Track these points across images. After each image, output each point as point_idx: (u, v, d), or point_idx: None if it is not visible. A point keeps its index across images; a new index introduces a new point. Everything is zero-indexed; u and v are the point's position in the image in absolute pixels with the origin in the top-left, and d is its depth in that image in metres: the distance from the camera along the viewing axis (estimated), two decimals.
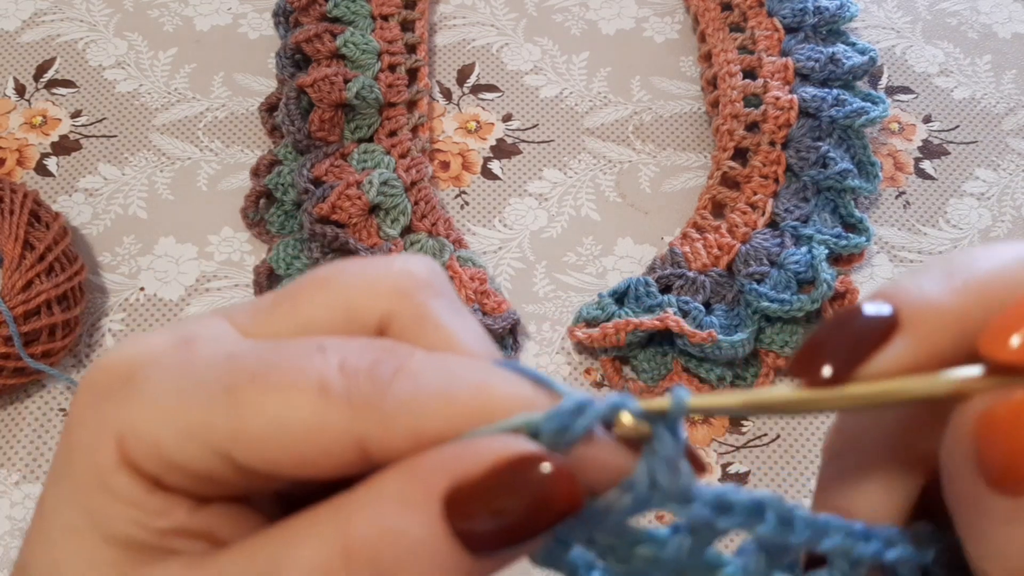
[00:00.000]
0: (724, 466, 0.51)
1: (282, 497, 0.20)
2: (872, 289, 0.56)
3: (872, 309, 0.18)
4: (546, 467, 0.16)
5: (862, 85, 0.61)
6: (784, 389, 0.18)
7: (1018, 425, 0.16)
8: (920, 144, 0.62)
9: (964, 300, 0.17)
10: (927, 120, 0.63)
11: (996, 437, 0.16)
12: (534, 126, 0.61)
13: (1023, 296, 0.17)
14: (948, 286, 0.17)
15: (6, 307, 0.48)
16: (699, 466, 0.18)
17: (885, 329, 0.17)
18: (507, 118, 0.62)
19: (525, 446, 0.16)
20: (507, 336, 0.53)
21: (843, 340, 0.18)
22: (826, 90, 0.59)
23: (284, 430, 0.17)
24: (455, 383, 0.17)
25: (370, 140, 0.58)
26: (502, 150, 0.60)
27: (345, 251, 0.54)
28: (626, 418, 0.17)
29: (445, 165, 0.60)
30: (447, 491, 0.16)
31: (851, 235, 0.56)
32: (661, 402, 0.17)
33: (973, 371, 0.17)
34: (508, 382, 0.17)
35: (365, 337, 0.18)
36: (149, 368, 0.18)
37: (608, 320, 0.52)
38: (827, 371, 0.17)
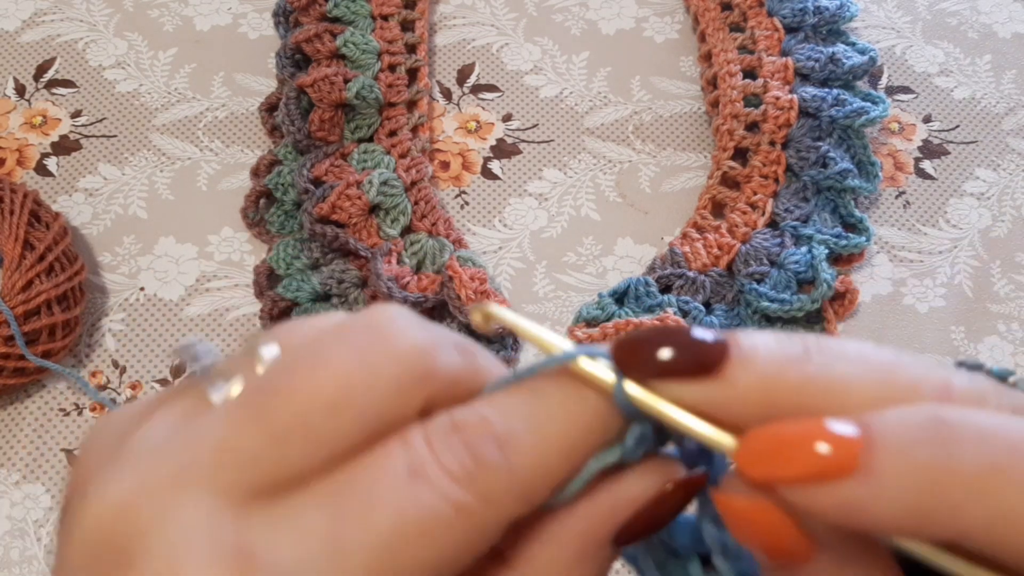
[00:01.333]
0: None
1: None
2: (873, 289, 0.56)
3: (704, 335, 0.18)
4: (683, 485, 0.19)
5: (862, 85, 0.61)
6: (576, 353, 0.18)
7: (756, 523, 0.17)
8: (920, 144, 0.62)
9: (789, 383, 0.17)
10: (927, 120, 0.63)
11: (742, 527, 0.18)
12: (534, 126, 0.61)
13: (789, 424, 0.17)
14: (786, 356, 0.17)
15: (7, 307, 0.48)
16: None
17: (712, 360, 0.18)
18: (507, 118, 0.62)
19: (662, 470, 0.19)
20: (507, 336, 0.53)
21: (671, 344, 0.18)
22: (826, 90, 0.59)
23: (446, 562, 0.17)
24: (542, 419, 0.18)
25: (370, 140, 0.58)
26: (502, 150, 0.60)
27: (345, 251, 0.54)
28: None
29: (445, 165, 0.60)
30: (614, 536, 0.19)
31: (851, 235, 0.56)
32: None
33: (729, 443, 0.17)
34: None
35: (422, 431, 0.18)
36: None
37: (608, 320, 0.52)
38: (666, 353, 0.18)
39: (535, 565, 0.18)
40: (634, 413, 0.18)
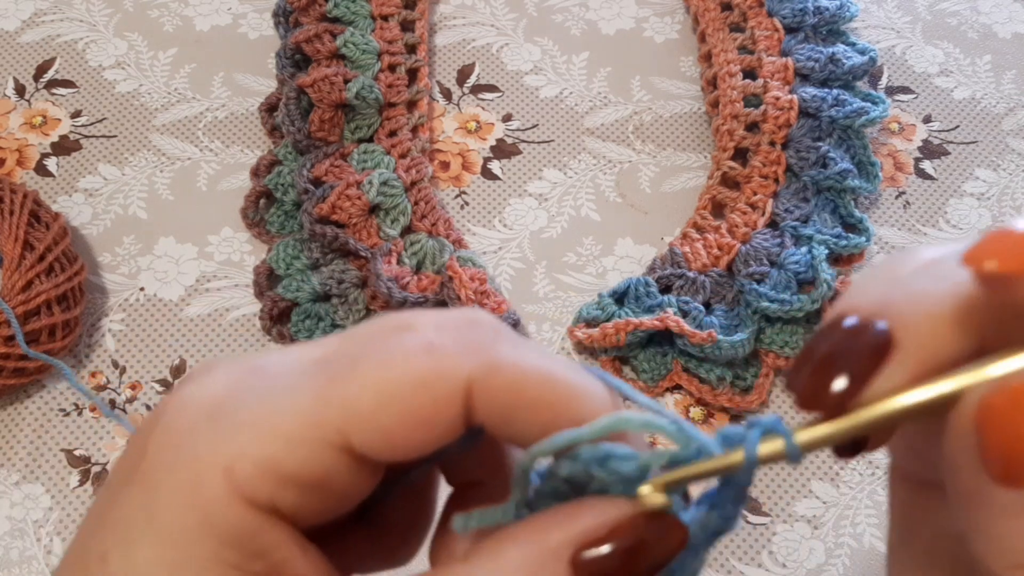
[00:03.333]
0: None
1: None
2: None
3: (855, 325, 0.17)
4: (663, 523, 0.18)
5: (862, 85, 0.61)
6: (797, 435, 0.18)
7: (1016, 413, 0.16)
8: (920, 144, 0.62)
9: (954, 299, 0.17)
10: (927, 120, 0.63)
11: (996, 427, 0.16)
12: (534, 126, 0.61)
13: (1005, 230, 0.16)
14: (936, 287, 0.17)
15: (7, 306, 0.48)
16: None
17: (881, 348, 0.17)
18: (507, 118, 0.62)
19: (635, 506, 0.18)
20: None
21: (844, 364, 0.17)
22: (826, 90, 0.59)
23: (397, 391, 0.17)
24: (552, 359, 0.18)
25: (370, 140, 0.58)
26: (502, 150, 0.60)
27: (345, 251, 0.54)
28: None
29: (445, 165, 0.60)
30: (572, 556, 0.17)
31: (851, 235, 0.56)
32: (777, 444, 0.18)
33: (969, 373, 0.17)
34: (595, 384, 0.19)
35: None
36: (235, 397, 0.17)
37: (608, 320, 0.52)
38: (840, 384, 0.17)
39: (485, 559, 0.18)
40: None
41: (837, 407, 0.17)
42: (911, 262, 0.18)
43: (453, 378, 0.17)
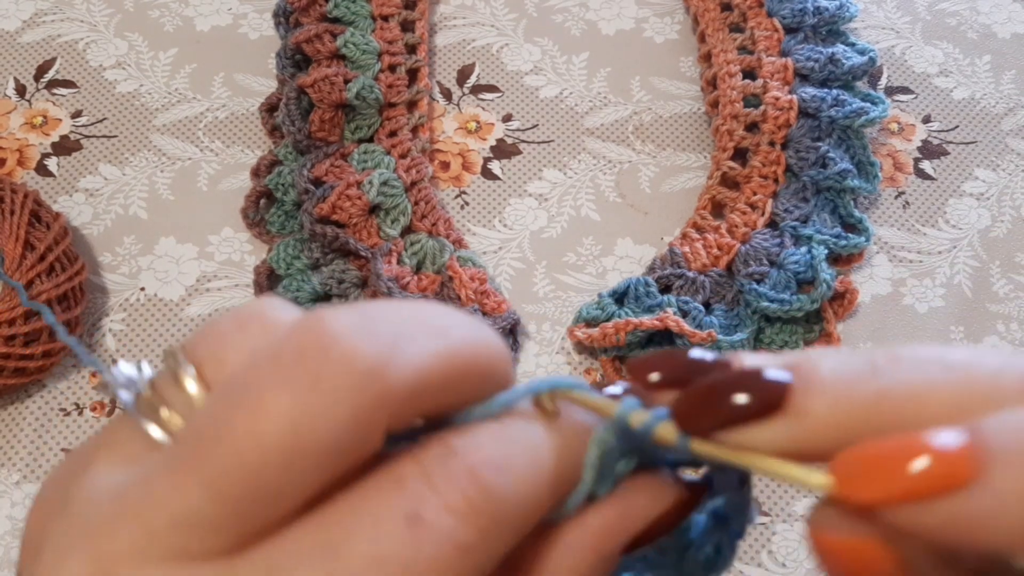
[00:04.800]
0: None
1: None
2: (872, 289, 0.56)
3: (761, 372, 0.17)
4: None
5: (862, 85, 0.61)
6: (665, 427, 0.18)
7: (854, 561, 0.16)
8: (920, 144, 0.62)
9: (864, 411, 0.16)
10: (927, 120, 0.63)
11: (837, 566, 0.16)
12: (534, 126, 0.62)
13: (887, 439, 0.15)
14: (857, 378, 0.16)
15: (10, 277, 0.48)
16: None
17: (769, 403, 0.16)
18: (507, 118, 0.62)
19: (675, 490, 0.19)
20: (507, 336, 0.53)
21: (724, 391, 0.17)
22: (826, 90, 0.59)
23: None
24: (525, 448, 0.18)
25: (370, 140, 0.58)
26: (502, 150, 0.60)
27: (345, 251, 0.54)
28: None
29: (445, 165, 0.60)
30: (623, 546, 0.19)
31: (851, 235, 0.56)
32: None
33: (822, 480, 0.16)
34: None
35: (420, 469, 0.17)
36: None
37: (608, 320, 0.52)
38: (655, 377, 0.18)
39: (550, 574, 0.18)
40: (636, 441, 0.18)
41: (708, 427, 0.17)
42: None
43: (498, 557, 0.17)
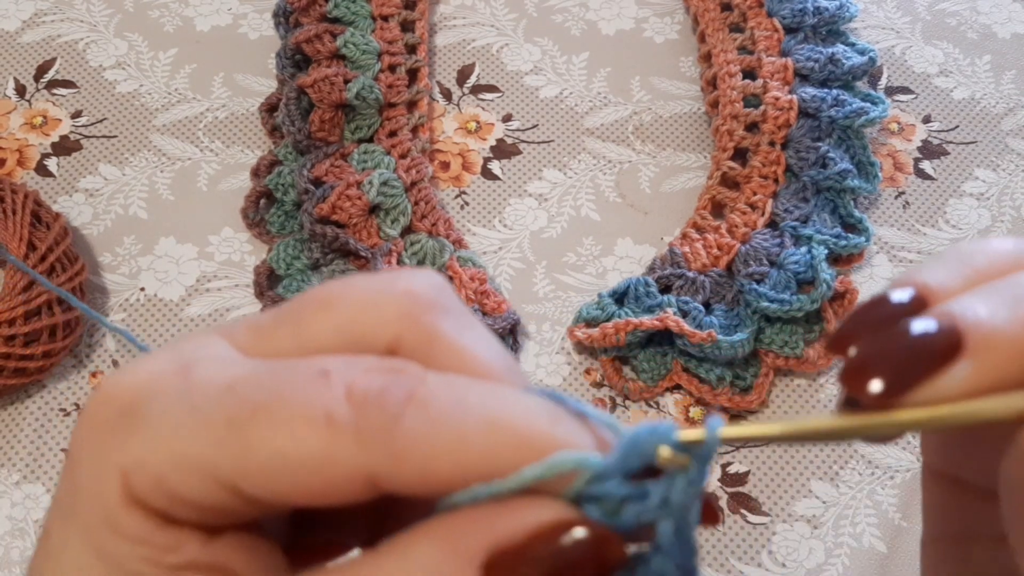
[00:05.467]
0: (724, 466, 0.51)
1: (293, 515, 0.20)
2: (872, 289, 0.56)
3: (927, 325, 0.17)
4: (581, 532, 0.16)
5: (862, 85, 0.61)
6: (825, 418, 0.17)
7: None
8: (920, 144, 0.62)
9: None
10: (927, 120, 0.63)
11: None
12: (534, 126, 0.62)
13: None
14: (1014, 315, 0.17)
15: (15, 257, 0.48)
16: (711, 516, 0.18)
17: (948, 350, 0.17)
18: (507, 118, 0.62)
19: (560, 512, 0.16)
20: (507, 336, 0.53)
21: (895, 353, 0.17)
22: (826, 90, 0.59)
23: (290, 464, 0.16)
24: (468, 414, 0.16)
25: (370, 140, 0.58)
26: (502, 150, 0.60)
27: (345, 251, 0.54)
28: (665, 452, 0.16)
29: (445, 165, 0.60)
30: (485, 561, 0.16)
31: (851, 235, 0.56)
32: (698, 433, 0.16)
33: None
34: (524, 412, 0.16)
35: (373, 356, 0.17)
36: (150, 399, 0.17)
37: (608, 320, 0.52)
38: (877, 386, 0.17)
39: (394, 556, 0.17)
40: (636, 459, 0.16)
41: (877, 405, 0.17)
42: (991, 254, 0.18)
43: (350, 466, 0.16)
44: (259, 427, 0.16)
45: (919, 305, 0.18)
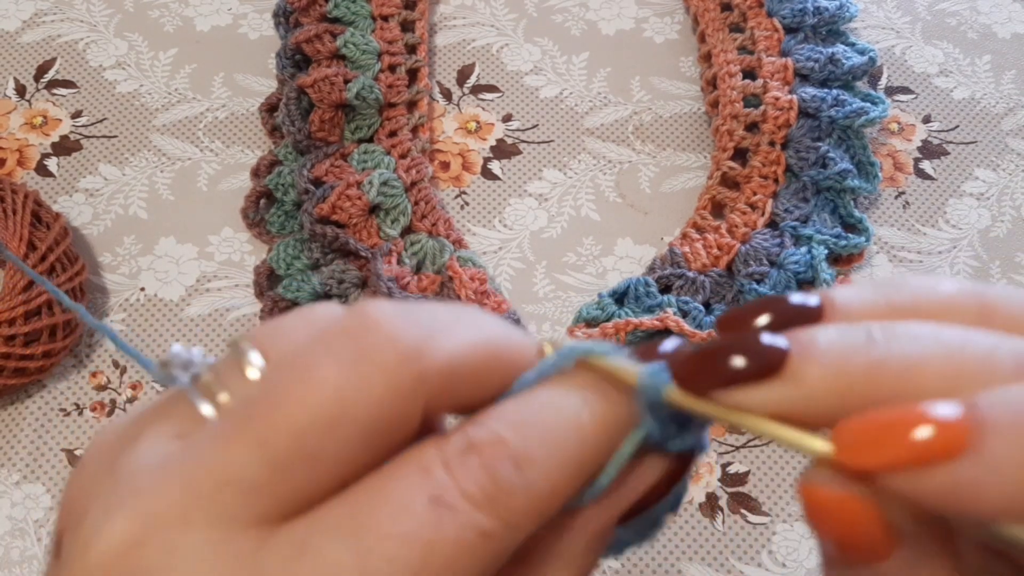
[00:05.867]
0: (724, 466, 0.51)
1: None
2: None
3: (772, 338, 0.17)
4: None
5: (862, 85, 0.61)
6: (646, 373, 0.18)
7: (841, 515, 0.17)
8: (920, 144, 0.62)
9: (855, 382, 0.17)
10: (927, 120, 0.63)
11: (824, 520, 0.17)
12: (534, 126, 0.62)
13: (891, 409, 0.16)
14: (848, 357, 0.17)
15: (12, 254, 0.48)
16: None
17: (769, 367, 0.17)
18: (507, 118, 0.62)
19: (661, 464, 0.19)
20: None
21: (733, 352, 0.17)
22: (826, 90, 0.59)
23: None
24: (555, 430, 0.18)
25: (370, 140, 0.58)
26: (502, 150, 0.60)
27: (345, 251, 0.54)
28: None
29: (445, 165, 0.60)
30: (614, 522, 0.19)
31: (851, 235, 0.56)
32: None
33: (822, 446, 0.17)
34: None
35: (440, 455, 0.17)
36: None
37: (608, 320, 0.52)
38: (703, 375, 0.18)
39: (546, 557, 0.19)
40: (657, 408, 0.18)
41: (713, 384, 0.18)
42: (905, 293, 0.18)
43: (519, 539, 0.17)
44: None
45: (815, 316, 0.18)
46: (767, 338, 0.17)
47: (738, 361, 0.17)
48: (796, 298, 0.18)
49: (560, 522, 0.19)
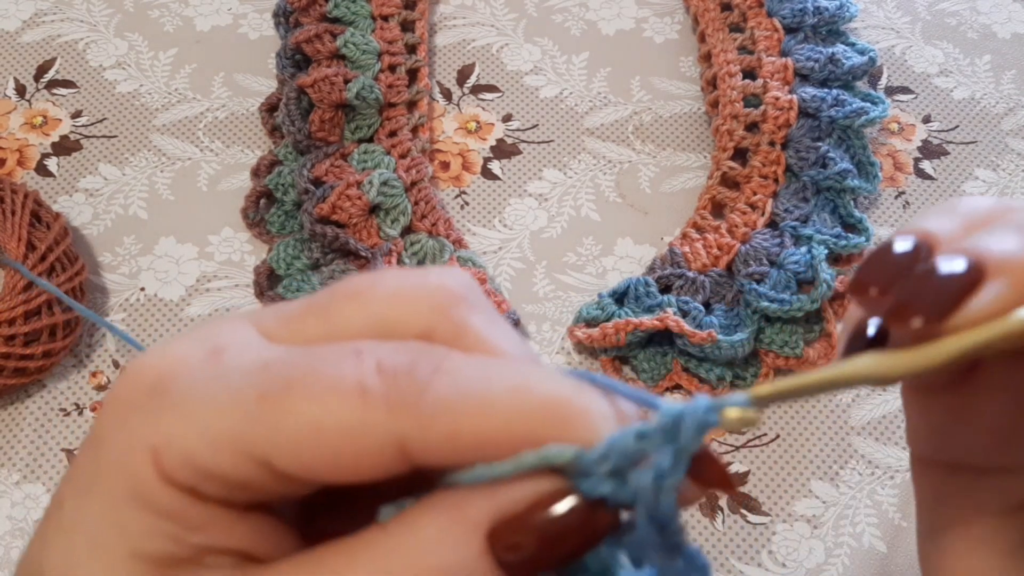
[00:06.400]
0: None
1: (305, 500, 0.20)
2: None
3: (949, 262, 0.18)
4: (570, 502, 0.17)
5: (862, 85, 0.61)
6: (867, 360, 0.17)
7: None
8: (920, 144, 0.62)
9: None
10: (927, 120, 0.63)
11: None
12: (534, 126, 0.62)
13: None
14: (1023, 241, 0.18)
15: (14, 260, 0.48)
16: (719, 477, 0.18)
17: (972, 277, 0.18)
18: (507, 118, 0.62)
19: (555, 484, 0.17)
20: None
21: (927, 291, 0.18)
22: (826, 90, 0.59)
23: (323, 434, 0.16)
24: (493, 382, 0.17)
25: (370, 140, 0.58)
26: (502, 150, 0.60)
27: (345, 251, 0.54)
28: (733, 412, 0.17)
29: (445, 165, 0.60)
30: (488, 530, 0.17)
31: (851, 235, 0.56)
32: (737, 407, 0.17)
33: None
34: (547, 380, 0.17)
35: (400, 340, 0.18)
36: (180, 378, 0.17)
37: (608, 320, 0.52)
38: (918, 322, 0.18)
39: (403, 527, 0.17)
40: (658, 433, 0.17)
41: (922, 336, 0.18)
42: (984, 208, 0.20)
43: (381, 434, 0.17)
44: (292, 400, 0.17)
45: (926, 250, 0.19)
46: (951, 260, 0.18)
47: (950, 279, 0.18)
48: (901, 245, 0.19)
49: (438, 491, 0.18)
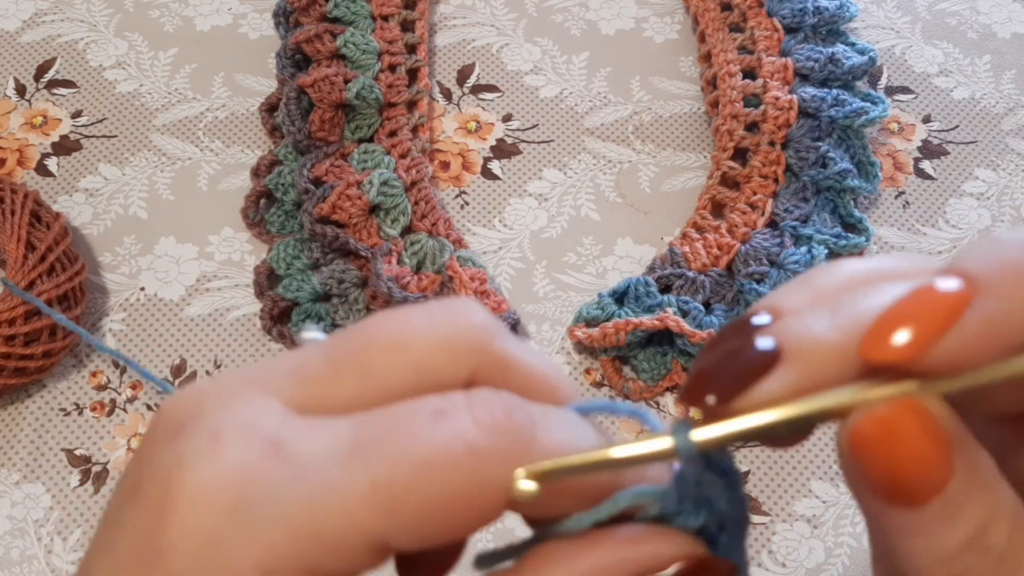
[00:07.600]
0: None
1: None
2: None
3: (756, 342, 0.18)
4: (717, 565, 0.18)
5: (862, 85, 0.61)
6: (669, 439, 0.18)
7: (888, 439, 0.17)
8: (920, 144, 0.62)
9: (846, 336, 0.18)
10: (927, 120, 0.63)
11: (871, 453, 0.17)
12: (534, 126, 0.62)
13: (894, 302, 0.17)
14: (832, 324, 0.18)
15: (12, 283, 0.48)
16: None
17: (767, 361, 0.18)
18: (507, 118, 0.62)
19: (687, 546, 0.18)
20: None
21: (723, 368, 0.18)
22: (826, 90, 0.59)
23: (446, 503, 0.17)
24: (579, 432, 0.18)
25: (370, 140, 0.58)
26: (502, 150, 0.60)
27: (345, 251, 0.54)
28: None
29: (445, 165, 0.60)
30: None
31: (851, 235, 0.56)
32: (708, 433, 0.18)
33: (844, 391, 0.17)
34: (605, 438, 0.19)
35: (465, 391, 0.18)
36: (258, 491, 0.17)
37: (608, 320, 0.52)
38: (711, 400, 0.18)
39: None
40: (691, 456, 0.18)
41: (712, 415, 0.18)
42: (836, 277, 0.19)
43: (498, 487, 0.17)
44: (406, 478, 0.17)
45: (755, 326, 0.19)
46: (758, 341, 0.18)
47: (746, 359, 0.18)
48: (755, 319, 0.19)
49: (557, 547, 0.18)
